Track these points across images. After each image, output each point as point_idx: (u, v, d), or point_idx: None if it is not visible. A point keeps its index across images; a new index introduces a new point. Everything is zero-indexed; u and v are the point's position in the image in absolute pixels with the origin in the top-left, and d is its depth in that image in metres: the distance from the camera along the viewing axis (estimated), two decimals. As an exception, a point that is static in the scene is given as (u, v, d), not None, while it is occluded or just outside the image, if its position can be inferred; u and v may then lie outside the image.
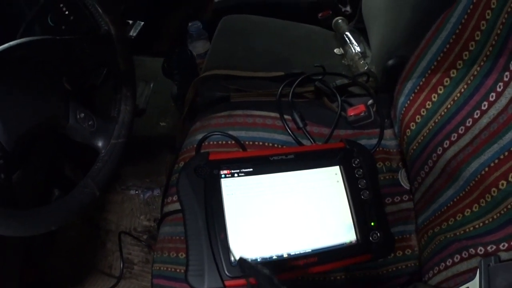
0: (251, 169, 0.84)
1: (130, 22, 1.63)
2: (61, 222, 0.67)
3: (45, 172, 1.14)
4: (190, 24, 1.68)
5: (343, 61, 1.32)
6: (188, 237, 0.79)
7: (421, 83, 0.90)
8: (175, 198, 0.97)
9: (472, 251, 0.72)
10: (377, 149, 1.04)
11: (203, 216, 0.79)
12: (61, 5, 0.91)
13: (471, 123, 0.75)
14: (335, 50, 1.36)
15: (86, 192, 0.72)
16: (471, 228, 0.74)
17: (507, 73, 0.67)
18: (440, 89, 0.84)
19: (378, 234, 0.84)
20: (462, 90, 0.78)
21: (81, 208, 0.71)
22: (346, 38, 1.32)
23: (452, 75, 0.81)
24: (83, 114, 0.76)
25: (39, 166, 1.08)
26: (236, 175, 0.83)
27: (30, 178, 1.03)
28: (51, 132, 0.75)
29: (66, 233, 1.49)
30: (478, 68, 0.74)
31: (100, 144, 0.78)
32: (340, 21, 1.39)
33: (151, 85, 1.74)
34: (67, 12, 0.91)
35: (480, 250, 0.70)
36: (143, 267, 1.46)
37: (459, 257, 0.75)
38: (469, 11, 0.75)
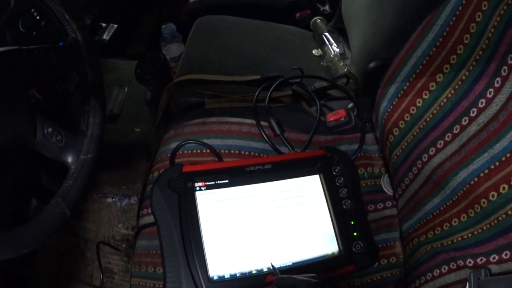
0: (227, 181, 0.83)
1: (104, 25, 1.58)
2: (34, 245, 0.66)
3: (20, 183, 1.11)
4: (163, 26, 1.62)
5: (321, 63, 1.29)
6: (164, 253, 0.77)
7: (405, 87, 0.88)
8: (150, 210, 0.93)
9: (460, 262, 0.71)
10: (359, 154, 1.02)
11: (179, 231, 0.77)
12: (33, 10, 0.87)
13: (458, 130, 0.73)
14: (313, 51, 1.33)
15: (57, 213, 0.69)
16: (459, 239, 0.72)
17: (498, 78, 0.64)
18: (426, 94, 0.82)
19: (361, 244, 0.84)
20: (449, 95, 0.75)
21: (52, 230, 0.68)
22: (325, 39, 1.29)
23: (438, 79, 0.79)
24: (50, 129, 0.72)
25: (12, 179, 1.05)
26: (211, 187, 0.82)
27: (4, 193, 1.00)
28: (19, 148, 0.71)
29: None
30: (467, 73, 0.71)
31: (69, 160, 0.75)
32: (318, 21, 1.35)
33: (126, 89, 1.69)
34: (38, 18, 0.87)
35: (469, 262, 0.69)
36: (124, 276, 1.44)
37: (447, 268, 0.74)
38: (457, 12, 0.72)
